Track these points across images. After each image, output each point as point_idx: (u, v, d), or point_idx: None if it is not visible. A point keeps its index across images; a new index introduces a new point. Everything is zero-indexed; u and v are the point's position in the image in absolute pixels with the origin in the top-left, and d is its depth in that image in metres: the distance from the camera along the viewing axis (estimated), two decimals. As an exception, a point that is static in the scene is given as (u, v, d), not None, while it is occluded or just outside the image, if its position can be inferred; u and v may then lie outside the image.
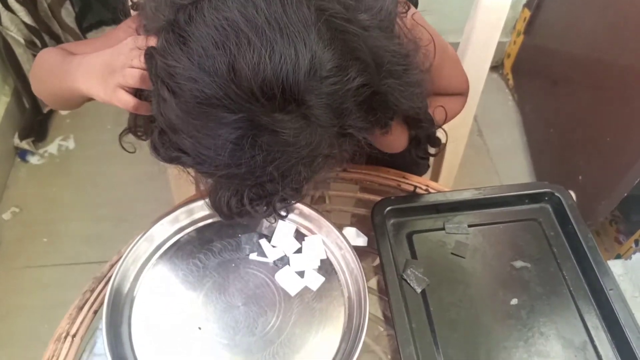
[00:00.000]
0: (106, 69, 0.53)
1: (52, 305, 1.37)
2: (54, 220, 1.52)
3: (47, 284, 1.38)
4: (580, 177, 1.35)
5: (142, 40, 0.49)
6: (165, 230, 0.70)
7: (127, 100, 0.53)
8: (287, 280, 0.67)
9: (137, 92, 0.53)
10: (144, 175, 1.60)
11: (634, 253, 1.21)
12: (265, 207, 0.50)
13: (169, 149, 0.48)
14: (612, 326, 0.63)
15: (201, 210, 0.72)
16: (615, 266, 0.94)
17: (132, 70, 0.51)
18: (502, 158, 1.65)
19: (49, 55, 0.64)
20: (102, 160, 1.66)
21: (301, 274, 0.68)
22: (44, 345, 0.63)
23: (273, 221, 0.70)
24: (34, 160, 1.67)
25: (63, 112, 1.79)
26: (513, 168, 1.63)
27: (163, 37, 0.45)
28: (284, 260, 0.69)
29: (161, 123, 0.47)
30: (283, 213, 0.54)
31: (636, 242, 1.18)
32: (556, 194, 0.73)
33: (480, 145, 1.68)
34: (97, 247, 1.44)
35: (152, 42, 0.47)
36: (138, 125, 0.62)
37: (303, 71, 0.42)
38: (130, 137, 0.64)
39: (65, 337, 0.61)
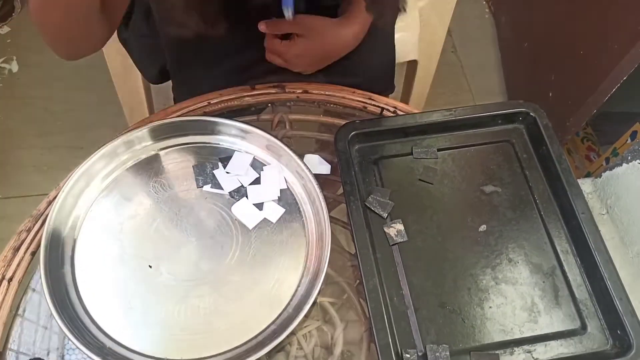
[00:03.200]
0: None
1: (7, 237, 1.32)
2: (3, 150, 1.43)
3: (0, 217, 1.32)
4: (550, 94, 1.31)
5: None
6: (105, 163, 0.64)
7: None
8: (245, 213, 0.63)
9: None
10: (97, 100, 1.49)
11: (604, 171, 1.21)
12: None
13: None
14: (581, 250, 0.61)
15: (142, 140, 0.65)
16: (585, 184, 0.92)
17: None
18: (477, 75, 1.59)
19: None
20: (50, 84, 1.54)
21: (259, 205, 0.63)
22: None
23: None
24: (-26, 84, 1.53)
25: (1, 32, 1.63)
26: (487, 86, 1.58)
27: None
28: (240, 192, 0.64)
29: None
30: None
31: (607, 160, 1.17)
32: (531, 113, 0.69)
33: (455, 62, 1.61)
34: (51, 177, 1.37)
35: None
36: None
37: None
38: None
39: (1, 282, 0.56)
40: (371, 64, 0.76)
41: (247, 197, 0.64)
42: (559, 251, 0.62)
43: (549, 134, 0.67)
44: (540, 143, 0.67)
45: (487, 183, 0.66)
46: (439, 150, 0.68)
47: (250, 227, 0.62)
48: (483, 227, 0.63)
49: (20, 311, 0.56)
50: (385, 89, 0.82)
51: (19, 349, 0.54)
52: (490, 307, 0.58)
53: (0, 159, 1.41)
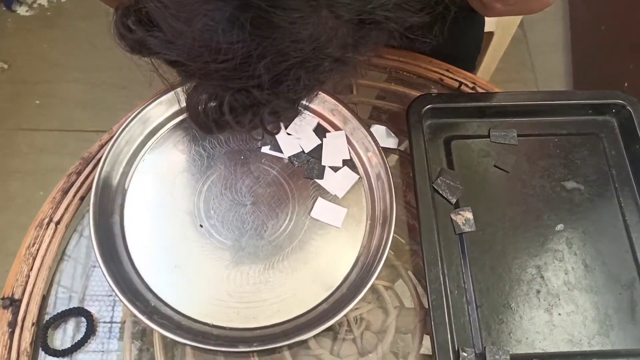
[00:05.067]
0: None
1: (46, 170, 1.32)
2: (46, 81, 1.41)
3: (40, 149, 1.31)
4: (626, 84, 1.21)
5: None
6: (162, 110, 0.60)
7: None
8: (326, 213, 0.57)
9: None
10: (145, 39, 1.45)
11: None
12: (250, 120, 0.38)
13: (137, 25, 0.35)
14: (666, 264, 0.56)
15: (207, 90, 0.61)
16: None
17: None
18: (542, 54, 1.49)
19: None
20: (100, 17, 1.49)
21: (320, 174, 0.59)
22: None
23: (260, 138, 0.59)
24: (21, 10, 1.50)
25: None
26: (552, 66, 1.48)
27: None
28: (300, 158, 0.60)
29: None
30: (273, 130, 0.42)
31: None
32: (627, 107, 0.62)
33: (520, 37, 1.51)
34: (93, 114, 1.34)
35: None
36: None
37: None
38: None
39: (48, 224, 0.54)
40: (462, 41, 0.69)
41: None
42: (640, 262, 0.56)
43: (645, 132, 0.61)
44: (634, 141, 0.61)
45: (568, 178, 0.60)
46: (519, 135, 0.62)
47: (308, 196, 0.58)
48: (560, 227, 0.57)
49: (67, 253, 0.54)
50: (466, 68, 0.74)
51: (63, 286, 0.53)
52: (559, 313, 0.53)
53: (44, 90, 1.39)
